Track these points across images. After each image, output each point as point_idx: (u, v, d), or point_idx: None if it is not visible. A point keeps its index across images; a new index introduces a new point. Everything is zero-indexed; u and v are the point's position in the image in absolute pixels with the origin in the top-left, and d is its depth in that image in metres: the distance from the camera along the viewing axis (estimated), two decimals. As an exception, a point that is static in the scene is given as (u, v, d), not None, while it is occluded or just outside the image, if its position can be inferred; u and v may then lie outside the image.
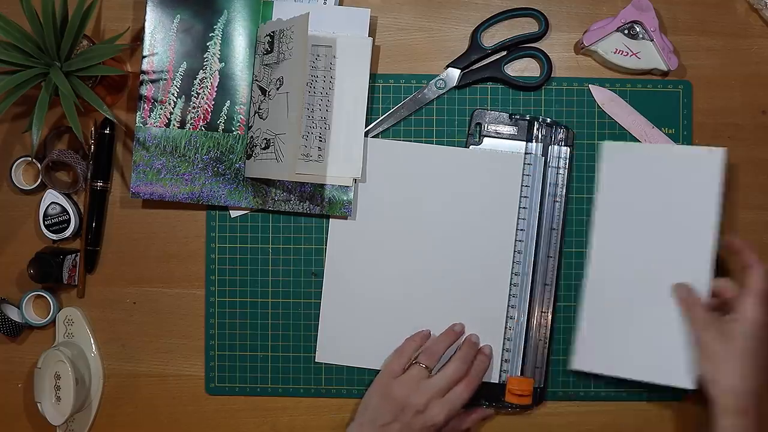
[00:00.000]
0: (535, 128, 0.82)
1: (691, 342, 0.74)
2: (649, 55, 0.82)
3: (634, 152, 0.81)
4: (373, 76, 0.83)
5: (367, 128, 0.82)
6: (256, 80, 0.80)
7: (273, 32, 0.79)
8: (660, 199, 0.79)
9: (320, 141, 0.80)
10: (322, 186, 0.81)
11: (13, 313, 0.83)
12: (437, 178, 0.82)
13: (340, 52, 0.80)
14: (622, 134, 0.83)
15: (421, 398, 0.74)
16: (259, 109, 0.79)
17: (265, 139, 0.78)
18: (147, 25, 0.80)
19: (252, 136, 0.80)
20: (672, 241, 0.78)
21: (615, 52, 0.82)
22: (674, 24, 0.84)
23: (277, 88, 0.78)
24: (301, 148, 0.80)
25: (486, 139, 0.82)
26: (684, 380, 0.75)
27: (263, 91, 0.79)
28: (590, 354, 0.80)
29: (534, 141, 0.82)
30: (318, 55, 0.80)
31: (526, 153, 0.82)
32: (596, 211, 0.81)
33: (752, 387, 0.69)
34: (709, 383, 0.71)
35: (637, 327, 0.78)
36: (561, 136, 0.82)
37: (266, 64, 0.79)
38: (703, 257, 0.76)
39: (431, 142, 0.83)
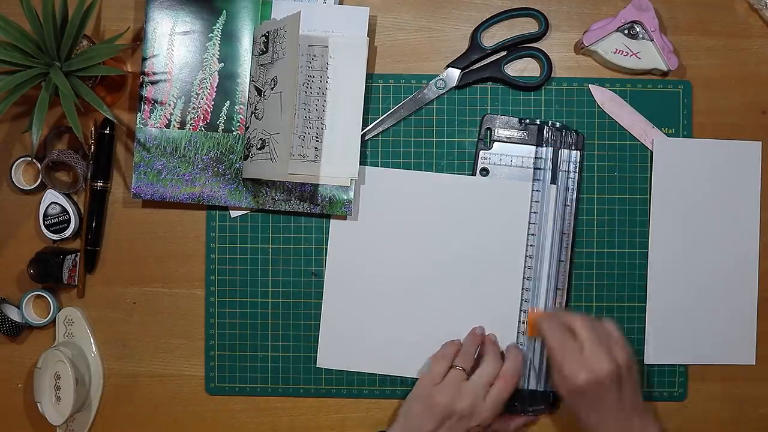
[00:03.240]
0: (545, 132, 0.82)
1: None
2: (649, 55, 0.82)
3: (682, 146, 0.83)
4: (373, 76, 0.83)
5: (367, 128, 0.82)
6: (253, 81, 0.80)
7: (268, 32, 0.79)
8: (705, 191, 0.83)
9: (317, 141, 0.80)
10: (322, 186, 0.81)
11: (13, 313, 0.83)
12: (443, 205, 0.82)
13: (336, 51, 0.80)
14: (622, 134, 0.83)
15: (466, 402, 0.74)
16: (255, 109, 0.79)
17: (261, 139, 0.78)
18: (147, 26, 0.81)
19: (249, 137, 0.80)
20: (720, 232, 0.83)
21: (615, 52, 0.82)
22: (674, 24, 0.84)
23: (272, 88, 0.78)
24: (296, 148, 0.80)
25: (496, 144, 0.82)
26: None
27: (259, 92, 0.79)
28: (664, 346, 0.83)
29: (544, 145, 0.82)
30: (314, 55, 0.80)
31: (536, 158, 0.82)
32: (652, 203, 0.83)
33: None
34: None
35: (702, 313, 0.83)
36: (571, 139, 0.82)
37: (262, 65, 0.79)
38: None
39: (431, 142, 0.83)
